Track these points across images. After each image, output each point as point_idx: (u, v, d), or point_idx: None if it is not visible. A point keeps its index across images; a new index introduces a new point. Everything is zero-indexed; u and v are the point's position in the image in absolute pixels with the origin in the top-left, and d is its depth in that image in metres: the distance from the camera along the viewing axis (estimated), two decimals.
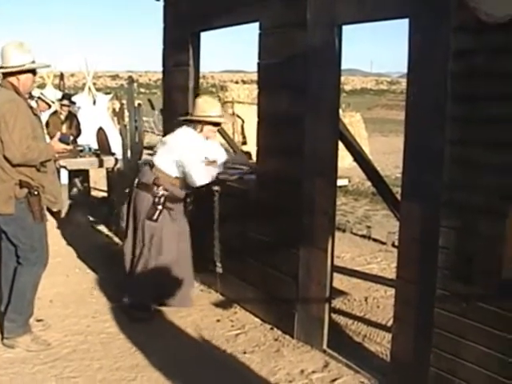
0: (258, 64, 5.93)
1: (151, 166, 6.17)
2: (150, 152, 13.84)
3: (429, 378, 4.31)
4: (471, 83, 3.95)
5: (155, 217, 6.02)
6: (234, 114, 17.96)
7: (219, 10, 6.48)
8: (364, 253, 8.66)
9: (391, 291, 5.80)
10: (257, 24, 5.89)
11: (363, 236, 9.60)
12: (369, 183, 10.65)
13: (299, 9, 5.27)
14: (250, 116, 15.60)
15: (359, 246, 9.03)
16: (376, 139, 23.48)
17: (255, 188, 6.00)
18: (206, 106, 6.13)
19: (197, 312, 6.22)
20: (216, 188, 6.33)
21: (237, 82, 36.76)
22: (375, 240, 9.28)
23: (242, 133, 17.69)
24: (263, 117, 5.86)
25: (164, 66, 7.81)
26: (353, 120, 18.23)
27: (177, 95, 7.47)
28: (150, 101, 21.82)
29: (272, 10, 5.67)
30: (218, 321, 6.07)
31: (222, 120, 6.47)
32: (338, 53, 4.99)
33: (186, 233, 6.36)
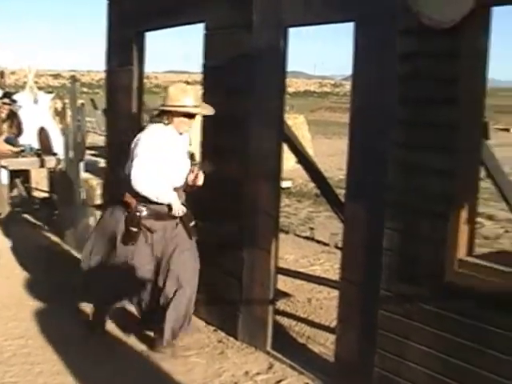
0: (204, 65, 5.91)
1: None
2: (93, 152, 13.70)
3: (373, 379, 4.34)
4: (416, 87, 4.00)
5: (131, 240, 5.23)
6: None
7: (164, 9, 6.41)
8: (307, 254, 8.69)
9: (334, 292, 5.83)
10: (202, 25, 5.86)
11: (306, 237, 9.64)
12: (312, 185, 10.70)
13: (245, 10, 5.26)
14: None
15: (302, 248, 9.06)
16: (319, 141, 23.61)
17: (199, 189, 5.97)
18: (178, 94, 5.23)
19: None
20: None
21: None
22: (318, 241, 9.32)
23: None
24: (207, 118, 5.83)
25: (108, 65, 7.71)
26: (296, 122, 18.26)
27: (120, 95, 7.38)
28: (92, 100, 21.62)
29: (218, 10, 5.64)
30: None
31: (197, 110, 5.30)
32: (283, 55, 5.00)
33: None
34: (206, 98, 5.93)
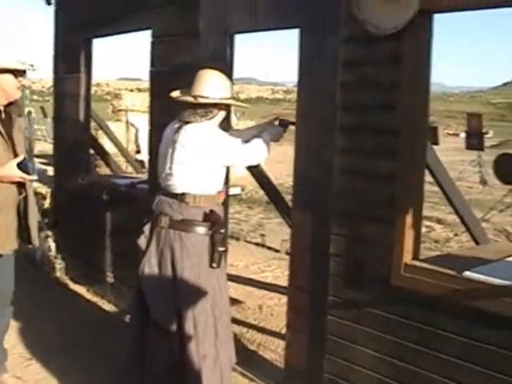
0: (151, 72, 5.89)
1: (173, 197, 4.26)
2: (43, 160, 13.47)
3: None
4: (359, 93, 4.03)
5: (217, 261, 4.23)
6: (127, 122, 17.76)
7: (112, 16, 6.39)
8: (258, 261, 8.70)
9: (285, 299, 5.82)
10: (149, 32, 5.85)
11: (257, 244, 9.66)
12: (263, 191, 10.72)
13: (192, 17, 5.26)
14: (144, 124, 15.46)
15: (253, 254, 9.07)
16: (270, 148, 23.64)
17: (147, 197, 5.93)
18: (222, 83, 4.33)
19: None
20: (105, 197, 6.21)
21: (132, 90, 36.36)
22: (269, 248, 9.35)
23: (136, 141, 17.49)
24: (155, 125, 5.80)
25: (55, 72, 7.64)
26: None
27: (68, 103, 7.32)
28: (42, 108, 21.32)
29: (164, 18, 5.63)
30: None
31: (233, 102, 4.49)
32: (230, 62, 5.00)
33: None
34: (153, 105, 5.92)
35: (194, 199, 4.21)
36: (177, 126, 4.30)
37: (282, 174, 15.71)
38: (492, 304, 3.41)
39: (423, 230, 10.08)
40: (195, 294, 4.17)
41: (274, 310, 6.62)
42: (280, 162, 18.10)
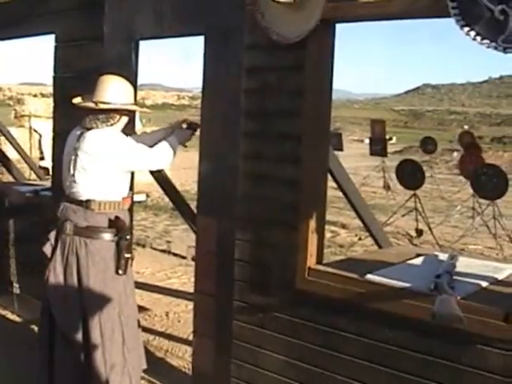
0: (54, 77, 5.79)
1: (78, 204, 4.19)
2: None
3: None
4: (263, 100, 4.08)
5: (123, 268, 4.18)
6: (30, 128, 17.40)
7: (14, 19, 6.22)
8: (164, 268, 8.67)
9: (192, 305, 5.84)
10: (53, 36, 5.74)
11: (163, 251, 9.64)
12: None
13: (96, 22, 5.19)
14: (48, 130, 15.18)
15: (159, 261, 9.03)
16: (177, 154, 23.56)
17: (51, 204, 5.82)
18: (122, 88, 4.31)
19: None
20: (8, 205, 6.07)
21: (35, 95, 35.62)
22: (175, 254, 9.34)
23: (40, 148, 17.16)
24: (59, 132, 5.70)
25: None
26: None
27: None
28: None
29: (68, 22, 5.54)
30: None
31: (138, 108, 4.58)
32: (134, 68, 4.97)
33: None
34: (57, 111, 5.82)
35: (99, 206, 4.16)
36: (78, 132, 4.24)
37: (188, 180, 15.69)
38: (393, 306, 3.50)
39: (328, 235, 10.30)
40: (101, 301, 4.12)
41: (181, 317, 6.62)
42: (186, 168, 18.08)
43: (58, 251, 4.20)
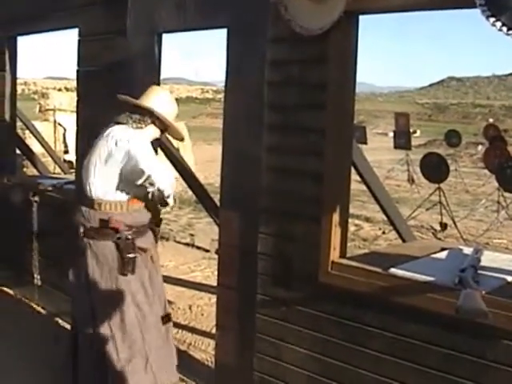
0: (77, 71, 5.80)
1: (86, 204, 4.20)
2: None
3: (253, 383, 4.36)
4: (286, 92, 4.06)
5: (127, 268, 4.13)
6: (55, 121, 17.49)
7: (37, 14, 6.25)
8: (188, 261, 8.68)
9: (215, 298, 5.85)
10: (76, 30, 5.76)
11: (187, 244, 9.65)
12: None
13: (119, 16, 5.20)
14: (72, 124, 15.24)
15: (183, 254, 9.04)
16: (201, 148, 23.62)
17: (75, 198, 5.85)
18: (169, 103, 4.38)
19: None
20: (35, 198, 6.11)
21: (60, 90, 35.86)
22: (199, 248, 9.35)
23: (64, 141, 17.25)
24: (83, 125, 5.73)
25: None
26: None
27: None
28: None
29: (92, 16, 5.55)
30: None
31: (169, 121, 4.35)
32: (157, 61, 4.98)
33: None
34: (81, 104, 5.84)
35: (100, 206, 4.12)
36: (107, 128, 4.23)
37: (212, 173, 15.69)
38: (417, 300, 3.48)
39: (352, 228, 10.27)
40: (109, 302, 4.14)
41: (204, 310, 6.63)
42: (211, 161, 18.18)
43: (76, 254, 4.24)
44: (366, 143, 15.98)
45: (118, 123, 4.18)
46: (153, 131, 4.28)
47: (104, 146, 4.11)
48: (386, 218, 5.83)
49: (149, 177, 4.06)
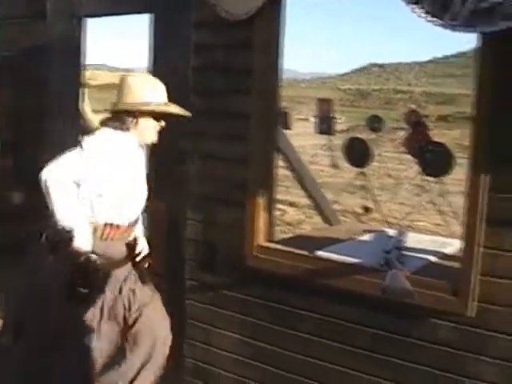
0: None
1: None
2: None
3: (185, 370, 4.35)
4: (211, 78, 4.05)
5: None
6: None
7: None
8: None
9: None
10: None
11: None
12: None
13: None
14: None
15: None
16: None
17: None
18: (145, 87, 3.59)
19: None
20: None
21: None
22: None
23: None
24: (3, 110, 5.59)
25: None
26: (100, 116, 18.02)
27: None
28: None
29: None
30: None
31: (171, 109, 3.65)
32: (78, 46, 4.89)
33: None
34: (1, 89, 5.69)
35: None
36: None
37: None
38: (344, 281, 3.54)
39: (277, 213, 10.30)
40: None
41: None
42: None
43: None
44: (289, 129, 16.04)
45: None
46: (143, 123, 3.60)
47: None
48: (310, 203, 5.89)
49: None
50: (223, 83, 4.00)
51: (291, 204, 11.37)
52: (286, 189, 11.75)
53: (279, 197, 11.34)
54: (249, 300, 3.97)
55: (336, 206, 10.87)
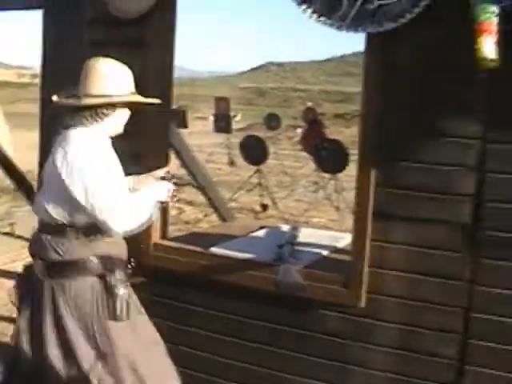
0: None
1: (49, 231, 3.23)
2: None
3: None
4: None
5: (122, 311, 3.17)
6: None
7: None
8: (8, 250, 8.41)
9: None
10: None
11: (7, 233, 9.34)
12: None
13: None
14: None
15: (3, 244, 8.74)
16: (21, 134, 22.81)
17: None
18: (113, 75, 3.27)
19: None
20: None
21: None
22: (19, 237, 9.07)
23: None
24: None
25: None
26: None
27: None
28: None
29: None
30: None
31: (141, 98, 3.39)
32: None
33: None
34: None
35: (77, 232, 3.16)
36: (59, 136, 3.27)
37: (34, 160, 15.26)
38: (238, 277, 3.61)
39: (174, 212, 10.30)
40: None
41: None
42: (30, 148, 17.58)
43: (28, 302, 3.29)
44: (186, 127, 16.01)
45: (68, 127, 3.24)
46: (119, 115, 3.33)
47: (55, 157, 3.18)
48: (207, 201, 5.94)
49: None
50: None
51: (189, 203, 11.37)
52: (183, 187, 11.75)
53: None
54: (146, 298, 3.97)
55: (233, 204, 10.96)
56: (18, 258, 8.06)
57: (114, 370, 3.12)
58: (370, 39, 3.22)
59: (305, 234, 4.17)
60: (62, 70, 4.25)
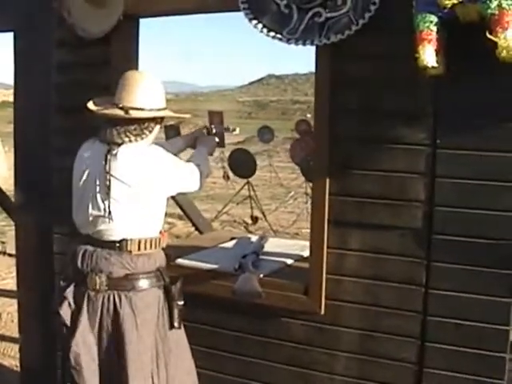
0: None
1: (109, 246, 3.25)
2: None
3: (57, 381, 4.38)
4: (73, 95, 4.10)
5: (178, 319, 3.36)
6: None
7: None
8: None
9: None
10: None
11: None
12: None
13: None
14: None
15: None
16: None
17: None
18: (155, 91, 3.29)
19: None
20: None
21: None
22: (10, 255, 9.15)
23: None
24: None
25: None
26: None
27: None
28: None
29: None
30: None
31: (171, 114, 3.46)
32: None
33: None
34: None
35: (139, 246, 3.24)
36: (104, 149, 3.23)
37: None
38: (202, 287, 3.70)
39: (166, 226, 10.37)
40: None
41: (14, 317, 6.47)
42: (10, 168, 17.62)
43: (85, 314, 3.25)
44: None
45: (117, 144, 3.22)
46: (157, 130, 3.37)
47: (120, 173, 3.17)
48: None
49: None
50: (85, 101, 4.07)
51: (180, 217, 11.45)
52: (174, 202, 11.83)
53: (168, 210, 11.42)
54: None
55: (225, 217, 11.06)
56: (8, 275, 8.18)
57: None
58: (319, 52, 3.32)
59: (273, 244, 4.26)
60: (32, 90, 4.36)
